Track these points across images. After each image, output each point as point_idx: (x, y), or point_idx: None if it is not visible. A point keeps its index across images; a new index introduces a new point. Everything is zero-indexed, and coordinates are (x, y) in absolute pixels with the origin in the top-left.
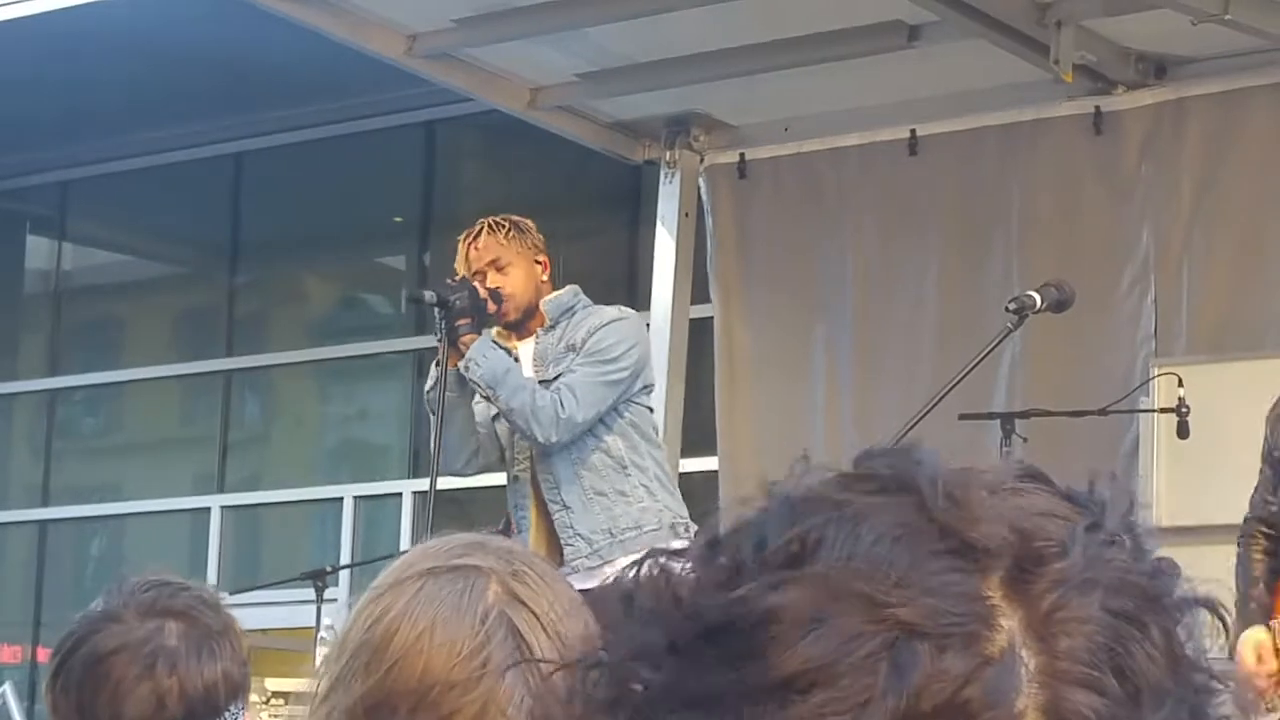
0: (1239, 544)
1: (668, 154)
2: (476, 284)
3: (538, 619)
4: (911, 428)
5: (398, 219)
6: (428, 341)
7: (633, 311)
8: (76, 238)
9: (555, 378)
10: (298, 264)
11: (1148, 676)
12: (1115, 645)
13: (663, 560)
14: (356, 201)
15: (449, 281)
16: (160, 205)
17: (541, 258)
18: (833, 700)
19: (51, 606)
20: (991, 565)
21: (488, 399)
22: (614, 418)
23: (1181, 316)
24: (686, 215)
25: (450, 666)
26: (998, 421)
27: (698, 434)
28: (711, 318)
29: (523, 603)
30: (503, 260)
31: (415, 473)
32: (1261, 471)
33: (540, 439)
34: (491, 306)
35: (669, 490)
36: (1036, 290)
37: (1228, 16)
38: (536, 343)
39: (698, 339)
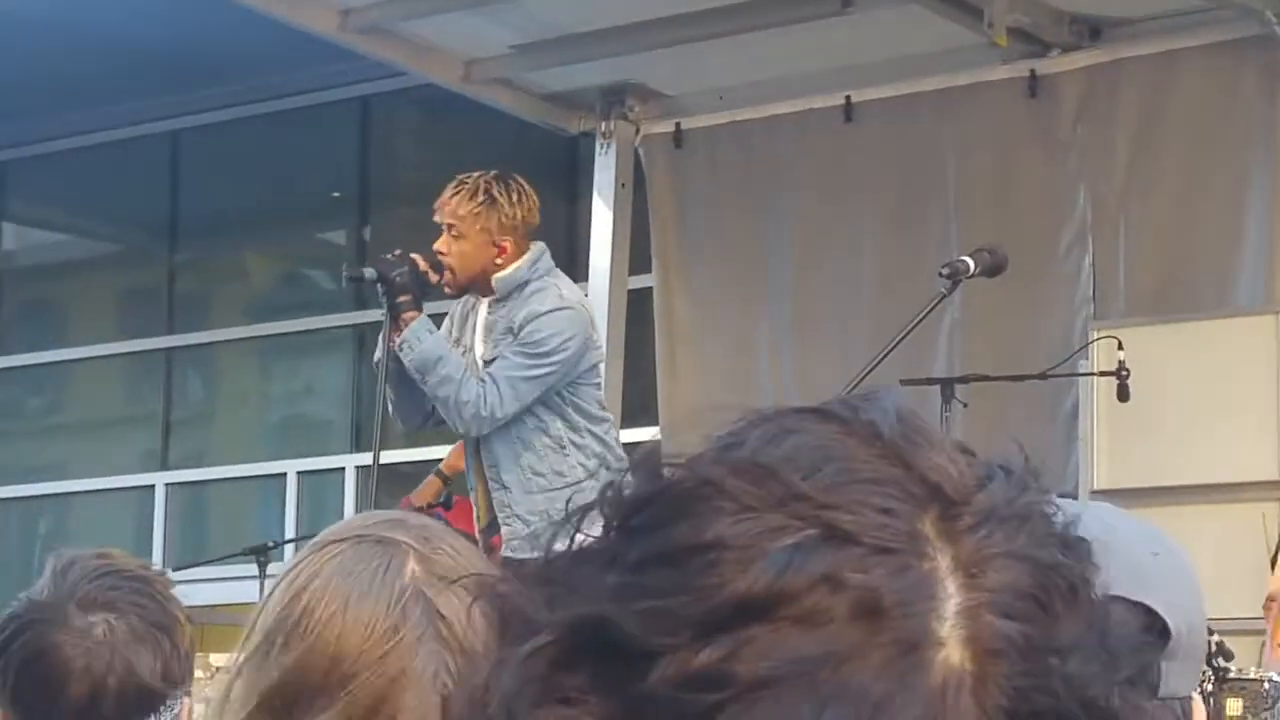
0: None
1: (603, 125)
2: (415, 257)
3: (453, 595)
4: (847, 393)
5: (336, 194)
6: (370, 316)
7: (576, 298)
8: (16, 218)
9: (491, 360)
10: (237, 241)
11: (1066, 619)
12: (1038, 586)
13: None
14: (294, 178)
15: (388, 257)
16: (99, 184)
17: (504, 240)
18: (737, 576)
19: None
20: (927, 500)
21: (419, 382)
22: (555, 399)
23: (1119, 279)
24: (623, 186)
25: (364, 640)
26: (938, 387)
27: (638, 404)
28: (651, 288)
29: (439, 578)
30: (459, 229)
31: (358, 447)
32: None
33: (461, 431)
34: (433, 278)
35: (612, 466)
36: (970, 255)
37: None
38: (489, 313)
39: (638, 309)
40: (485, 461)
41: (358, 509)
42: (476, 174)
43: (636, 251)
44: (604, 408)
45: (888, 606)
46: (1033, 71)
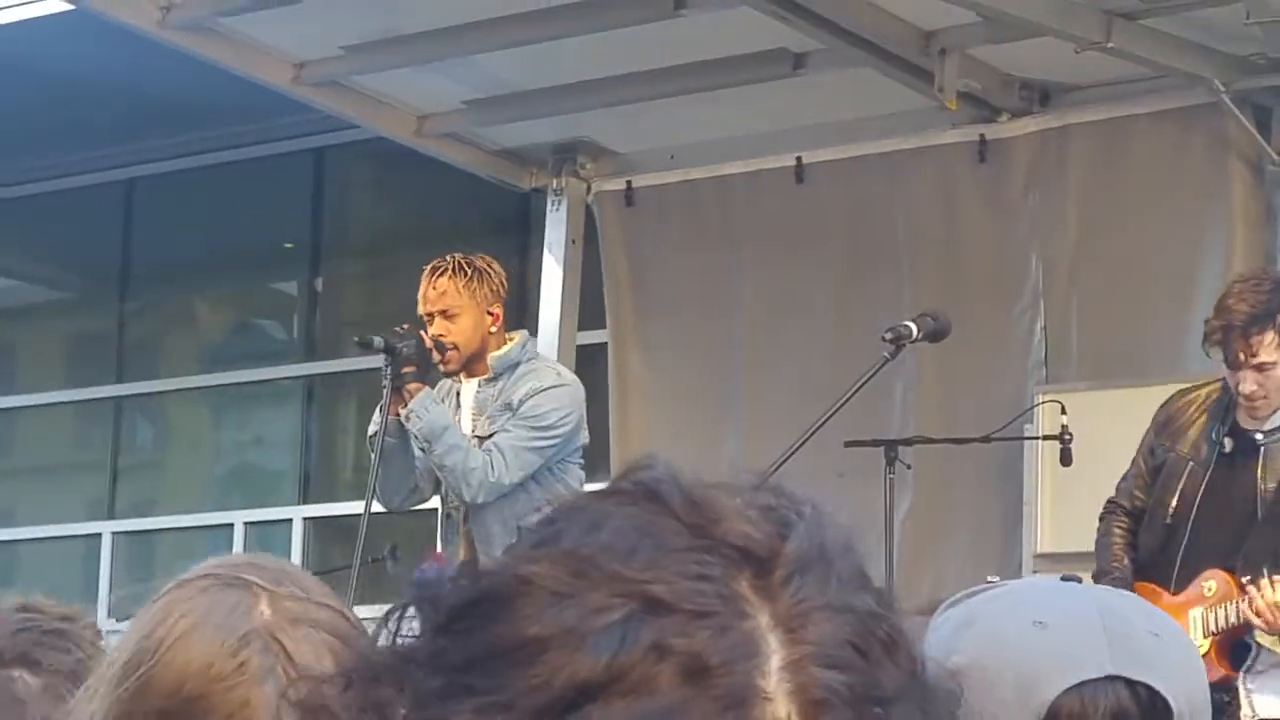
0: (1100, 523)
1: (554, 181)
2: (423, 334)
3: (302, 638)
4: (790, 455)
5: (288, 245)
6: (320, 368)
7: (572, 377)
8: None
9: (490, 435)
10: (189, 290)
11: (887, 667)
12: (857, 636)
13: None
14: (247, 227)
15: (397, 330)
16: (51, 231)
17: (495, 309)
18: (567, 662)
19: None
20: (739, 563)
21: (423, 451)
22: (547, 476)
23: (1071, 343)
24: (574, 242)
25: (206, 676)
26: (882, 449)
27: (589, 459)
28: (600, 343)
29: (288, 621)
30: (453, 309)
31: (306, 499)
32: (1135, 464)
33: (467, 498)
34: (436, 356)
35: None
36: (913, 320)
37: (1110, 45)
38: (479, 390)
39: (587, 365)
40: (475, 535)
41: (304, 561)
42: (445, 257)
43: (586, 307)
44: (583, 485)
45: (712, 666)
46: (982, 136)
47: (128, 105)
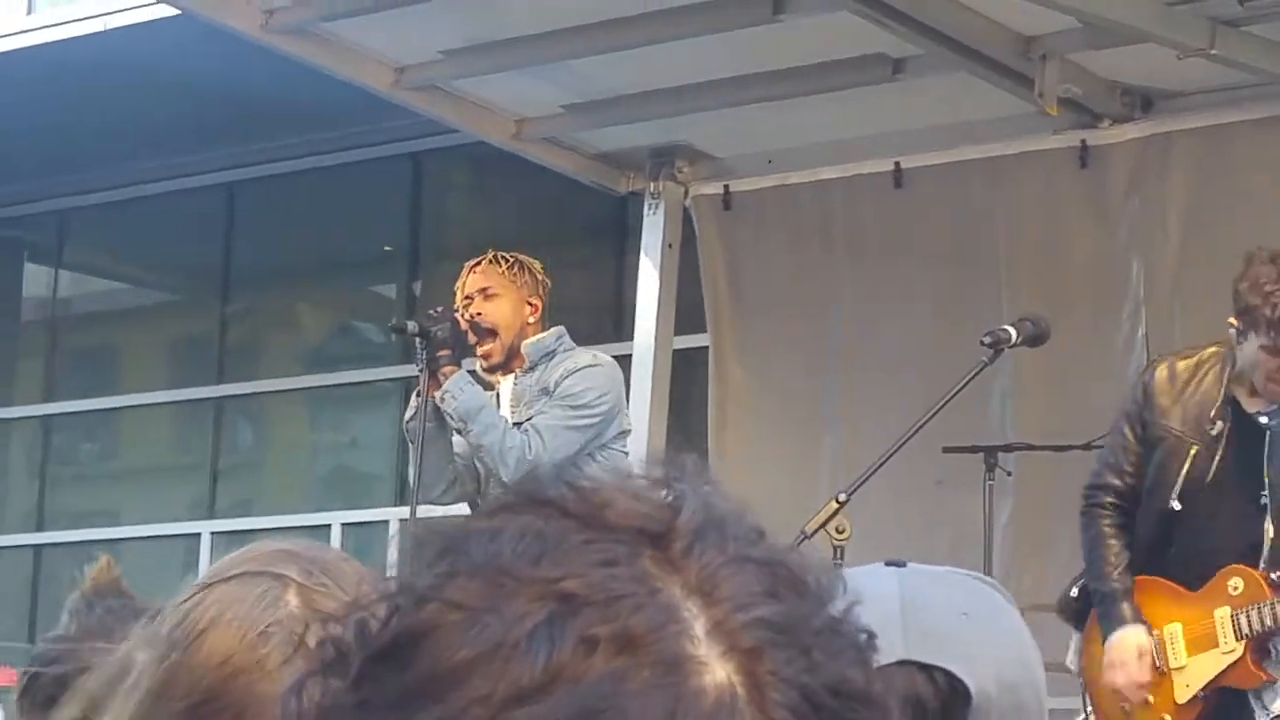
0: (1084, 516)
1: (652, 185)
2: (458, 316)
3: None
4: (886, 460)
5: (387, 248)
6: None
7: (608, 359)
8: (73, 265)
9: (528, 419)
10: (289, 292)
11: (805, 603)
12: (767, 581)
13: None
14: (346, 231)
15: (431, 313)
16: (154, 234)
17: (535, 300)
18: (502, 674)
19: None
20: (638, 542)
21: (459, 432)
22: (588, 462)
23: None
24: (670, 246)
25: (226, 665)
26: (981, 455)
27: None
28: (696, 348)
29: (317, 612)
30: (493, 289)
31: (402, 500)
32: (1121, 436)
33: (505, 478)
34: (472, 338)
35: None
36: (1012, 324)
37: (1213, 51)
38: (515, 383)
39: (682, 370)
40: None
41: (400, 562)
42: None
43: (682, 312)
44: None
45: (639, 637)
46: (1083, 142)
47: (229, 109)
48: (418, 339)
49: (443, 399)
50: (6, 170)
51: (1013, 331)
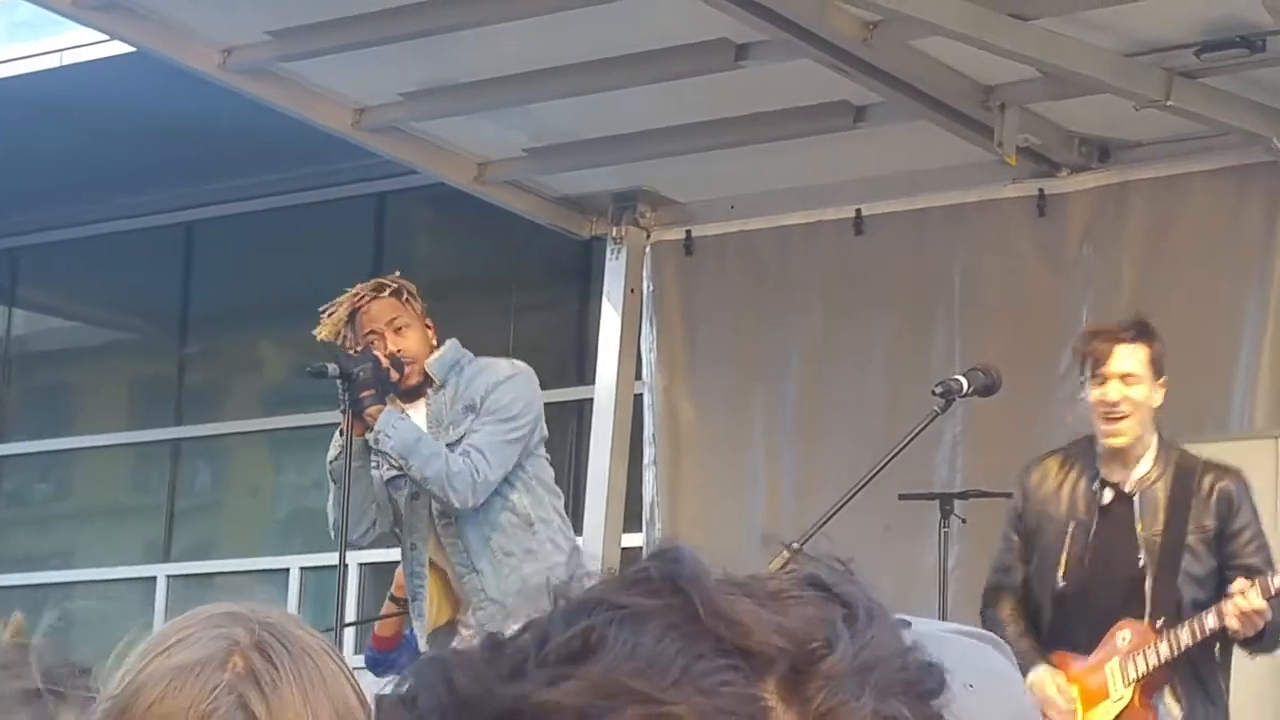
0: (984, 622)
1: (614, 230)
2: (378, 354)
3: (266, 702)
4: (841, 508)
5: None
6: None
7: (524, 365)
8: (27, 304)
9: (459, 439)
10: (249, 333)
11: None
12: None
13: (446, 659)
14: (308, 271)
15: (351, 353)
16: (111, 273)
17: (429, 320)
18: None
19: None
20: (766, 670)
21: (399, 469)
22: (517, 473)
23: None
24: (632, 291)
25: None
26: (937, 502)
27: (634, 511)
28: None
29: (259, 684)
30: (399, 320)
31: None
32: (1006, 538)
33: (458, 504)
34: (395, 375)
35: (572, 539)
36: (963, 374)
37: (1170, 102)
38: (428, 404)
39: (640, 415)
40: (451, 553)
41: (360, 607)
42: (368, 282)
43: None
44: (555, 481)
45: None
46: (1041, 191)
47: (188, 148)
48: (339, 380)
49: (377, 440)
50: None
51: (964, 382)
